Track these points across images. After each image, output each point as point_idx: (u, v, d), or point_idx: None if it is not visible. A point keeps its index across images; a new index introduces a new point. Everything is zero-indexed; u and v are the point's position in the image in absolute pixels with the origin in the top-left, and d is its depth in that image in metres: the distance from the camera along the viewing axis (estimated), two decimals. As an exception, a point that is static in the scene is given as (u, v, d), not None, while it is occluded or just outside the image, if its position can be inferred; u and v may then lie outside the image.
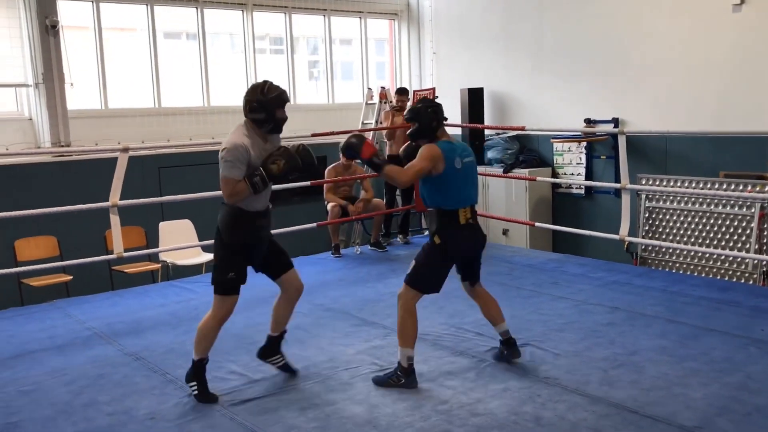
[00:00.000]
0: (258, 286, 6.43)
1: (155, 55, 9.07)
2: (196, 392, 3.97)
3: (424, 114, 4.16)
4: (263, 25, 10.17)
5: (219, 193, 7.80)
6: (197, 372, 3.99)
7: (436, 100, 8.04)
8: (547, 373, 4.19)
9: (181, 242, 7.38)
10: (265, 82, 3.95)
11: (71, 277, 6.88)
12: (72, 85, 8.19)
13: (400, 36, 11.45)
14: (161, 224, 7.72)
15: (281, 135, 4.06)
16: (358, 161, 4.11)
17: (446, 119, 4.27)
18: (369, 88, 10.54)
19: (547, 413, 3.68)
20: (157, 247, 7.36)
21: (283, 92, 3.92)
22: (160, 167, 8.58)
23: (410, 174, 4.04)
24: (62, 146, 7.97)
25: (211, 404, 3.91)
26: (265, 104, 3.84)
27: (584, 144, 8.87)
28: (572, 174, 9.06)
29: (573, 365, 4.30)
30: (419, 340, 4.77)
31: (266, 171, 3.83)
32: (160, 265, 7.40)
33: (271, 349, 4.28)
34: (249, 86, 3.97)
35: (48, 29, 7.90)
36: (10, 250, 6.91)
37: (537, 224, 7.78)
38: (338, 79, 10.99)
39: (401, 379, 4.05)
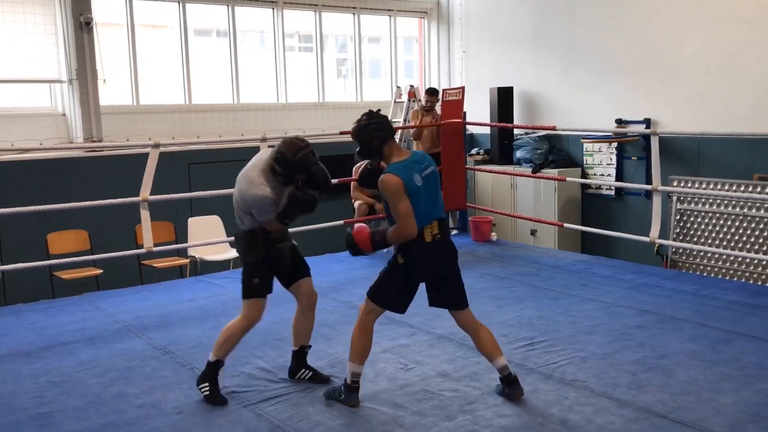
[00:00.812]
0: (285, 283, 6.48)
1: (186, 52, 9.15)
2: (207, 393, 3.94)
3: (364, 132, 3.73)
4: (292, 23, 10.22)
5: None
6: (211, 373, 3.97)
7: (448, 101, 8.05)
8: (574, 376, 4.15)
9: (209, 238, 7.44)
10: (303, 143, 3.87)
11: (101, 271, 6.98)
12: (105, 81, 8.31)
13: (429, 34, 11.42)
14: (190, 220, 7.79)
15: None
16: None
17: (394, 132, 3.80)
18: (398, 87, 10.52)
19: (574, 416, 3.64)
20: (186, 242, 7.43)
21: (316, 164, 3.86)
22: (190, 163, 8.66)
23: (406, 221, 3.61)
24: (94, 141, 8.09)
25: (238, 401, 3.93)
26: (294, 167, 3.83)
27: (615, 144, 8.78)
28: (602, 175, 8.96)
29: (601, 368, 4.26)
30: (445, 339, 4.79)
31: (288, 219, 3.92)
32: (188, 260, 7.48)
33: (296, 366, 4.22)
34: (287, 139, 3.92)
35: (82, 26, 8.01)
36: (42, 243, 7.02)
37: (566, 225, 7.70)
38: (366, 77, 11.00)
39: (341, 394, 3.83)
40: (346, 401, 3.81)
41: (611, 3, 8.77)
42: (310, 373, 4.19)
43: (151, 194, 6.21)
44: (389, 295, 3.81)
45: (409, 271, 3.75)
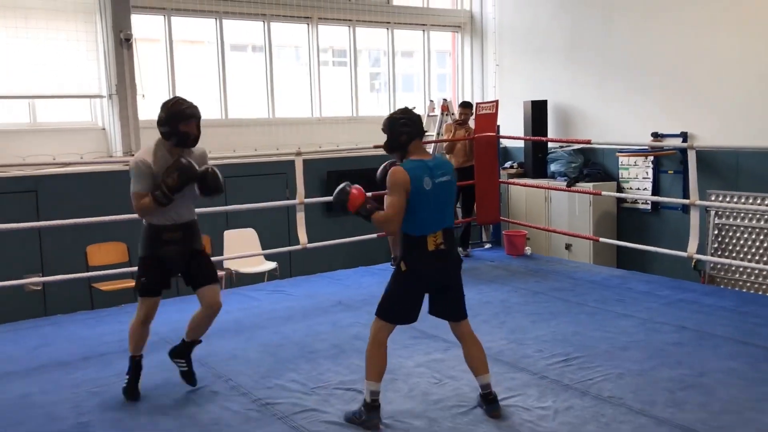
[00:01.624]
0: (321, 295, 6.54)
1: (223, 66, 9.30)
2: (124, 385, 4.20)
3: (394, 126, 3.77)
4: (326, 38, 10.32)
5: (281, 203, 7.97)
6: (132, 368, 4.21)
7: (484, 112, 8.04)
8: (611, 392, 4.10)
9: (244, 250, 7.52)
10: (175, 97, 4.13)
11: (139, 283, 7.08)
12: (143, 96, 8.47)
13: (462, 48, 11.44)
14: (226, 233, 7.88)
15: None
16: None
17: (423, 132, 3.83)
18: (431, 101, 10.56)
19: (611, 434, 3.60)
20: (222, 255, 7.51)
21: (188, 108, 4.06)
22: (226, 177, 8.72)
23: (392, 215, 3.64)
24: (133, 155, 8.22)
25: (272, 413, 3.95)
26: (169, 118, 4.02)
27: (651, 158, 8.68)
28: (638, 189, 8.86)
29: (638, 385, 4.20)
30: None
31: (165, 185, 3.98)
32: (224, 272, 7.56)
33: (180, 352, 4.33)
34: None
35: (122, 42, 8.19)
36: (82, 256, 7.16)
37: (601, 239, 7.62)
38: (399, 91, 11.05)
39: (362, 416, 3.75)
40: (367, 423, 3.73)
41: (648, 15, 8.70)
42: (186, 368, 4.31)
43: (187, 207, 6.29)
44: (396, 309, 3.80)
45: (411, 278, 3.75)
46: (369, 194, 3.94)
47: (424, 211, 3.68)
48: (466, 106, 8.50)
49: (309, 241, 7.09)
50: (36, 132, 8.08)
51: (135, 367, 4.21)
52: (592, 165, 9.36)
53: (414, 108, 3.90)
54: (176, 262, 4.18)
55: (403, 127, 3.75)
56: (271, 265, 7.81)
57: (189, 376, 4.33)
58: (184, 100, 4.11)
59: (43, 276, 7.06)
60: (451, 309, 3.89)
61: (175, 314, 6.00)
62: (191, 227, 4.27)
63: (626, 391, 4.10)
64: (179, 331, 5.43)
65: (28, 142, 7.90)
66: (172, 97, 4.17)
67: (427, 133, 10.05)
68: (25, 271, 7.20)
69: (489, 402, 3.85)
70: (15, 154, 7.71)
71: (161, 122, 4.06)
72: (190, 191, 4.16)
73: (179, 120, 4.04)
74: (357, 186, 3.84)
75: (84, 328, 5.71)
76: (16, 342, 5.39)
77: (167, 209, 4.08)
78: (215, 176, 4.17)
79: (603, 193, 8.05)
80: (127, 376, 4.21)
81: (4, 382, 4.54)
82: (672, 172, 8.51)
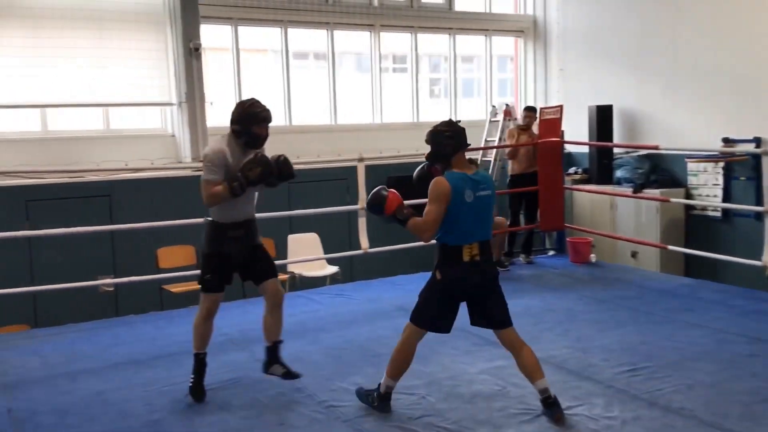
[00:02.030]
0: (382, 300, 6.57)
1: (288, 74, 9.46)
2: (190, 384, 4.26)
3: (438, 137, 3.86)
4: (387, 44, 10.39)
5: (343, 208, 8.04)
6: (196, 365, 4.27)
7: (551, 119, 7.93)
8: (681, 404, 3.99)
9: (308, 254, 7.63)
10: (251, 99, 4.20)
11: (206, 285, 7.25)
12: (211, 103, 8.69)
13: (525, 53, 11.34)
14: (290, 237, 8.01)
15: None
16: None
17: (468, 145, 3.91)
18: (493, 106, 10.50)
19: (681, 446, 3.51)
20: (286, 258, 7.64)
21: (262, 111, 4.14)
22: (289, 182, 8.89)
23: (429, 223, 3.74)
24: (201, 161, 8.44)
25: (336, 416, 4.00)
26: (243, 118, 4.11)
27: (722, 164, 8.42)
28: (708, 195, 8.61)
29: (710, 397, 4.07)
30: (544, 362, 4.65)
31: (245, 177, 4.07)
32: (288, 275, 7.68)
33: (268, 361, 4.36)
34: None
35: (191, 52, 8.43)
36: (152, 258, 7.39)
37: (670, 247, 7.43)
38: (459, 96, 11.03)
39: (375, 401, 3.99)
40: (379, 409, 3.96)
41: (717, 16, 8.46)
42: (284, 369, 4.32)
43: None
44: (428, 315, 3.89)
45: (445, 288, 3.83)
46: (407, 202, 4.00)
47: (464, 223, 3.77)
48: (530, 110, 8.40)
49: (370, 246, 7.14)
50: (109, 139, 8.40)
51: (199, 364, 4.30)
52: (660, 171, 9.14)
53: (459, 121, 3.98)
54: (239, 258, 4.28)
55: (447, 140, 3.85)
56: (333, 269, 7.90)
57: (291, 375, 4.35)
58: (260, 103, 4.21)
59: (115, 278, 7.31)
60: (493, 318, 3.91)
61: (240, 316, 6.16)
62: (252, 223, 4.36)
63: (697, 403, 3.99)
64: (245, 332, 5.59)
65: (102, 149, 8.21)
66: (249, 98, 4.26)
67: (489, 139, 10.07)
68: (98, 272, 7.46)
69: (549, 405, 3.81)
70: (90, 160, 8.03)
71: (234, 121, 4.16)
72: (256, 188, 4.28)
73: (253, 122, 4.14)
74: (393, 190, 3.92)
75: (154, 328, 5.89)
76: (91, 341, 5.60)
77: (232, 206, 4.17)
78: (288, 163, 4.30)
79: (671, 199, 7.85)
80: (193, 376, 4.29)
81: (80, 379, 4.72)
82: (744, 178, 8.23)
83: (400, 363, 3.94)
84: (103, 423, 4.01)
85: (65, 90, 7.98)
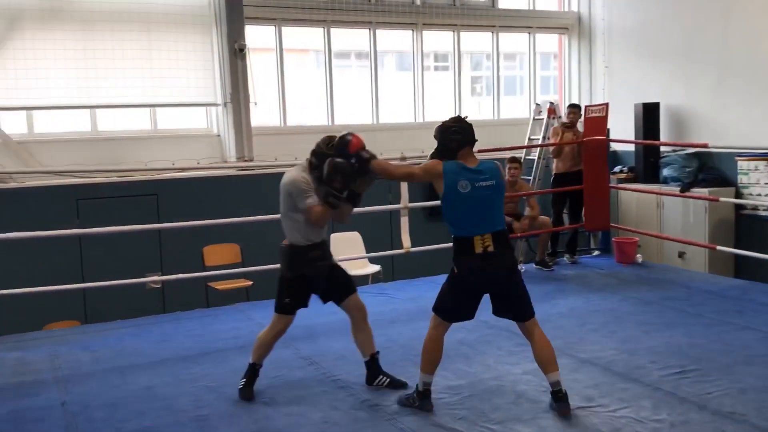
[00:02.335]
0: (424, 299, 6.55)
1: (330, 74, 9.52)
2: (240, 387, 4.34)
3: (445, 134, 3.93)
4: (428, 42, 10.37)
5: (384, 207, 8.03)
6: (250, 373, 4.36)
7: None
8: (732, 408, 3.90)
9: (349, 254, 7.66)
10: (328, 138, 4.23)
11: (252, 283, 7.36)
12: (255, 103, 8.79)
13: (570, 50, 11.21)
14: (332, 236, 8.04)
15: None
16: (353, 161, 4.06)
17: (473, 140, 3.93)
18: (537, 104, 10.39)
19: (732, 451, 3.43)
20: (328, 257, 7.67)
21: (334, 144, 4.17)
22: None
23: (400, 170, 4.14)
24: (246, 161, 8.58)
25: (380, 414, 4.01)
26: (320, 155, 4.19)
27: (774, 162, 8.20)
28: (759, 195, 8.39)
29: (763, 401, 3.97)
30: (588, 363, 4.66)
31: (334, 189, 4.13)
32: (330, 274, 7.72)
33: (371, 374, 4.41)
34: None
35: (236, 52, 8.55)
36: (198, 256, 7.52)
37: (719, 248, 7.26)
38: (501, 94, 10.95)
39: (416, 401, 4.00)
40: (422, 407, 3.96)
41: (770, 12, 8.25)
42: (387, 379, 4.37)
43: (297, 211, 6.48)
44: (448, 306, 3.96)
45: (462, 280, 3.88)
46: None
47: (464, 214, 3.83)
48: (574, 107, 8.28)
49: (412, 246, 7.14)
50: (156, 139, 8.57)
51: (253, 373, 4.37)
52: (708, 170, 8.94)
53: (466, 117, 4.04)
54: (320, 279, 4.36)
55: (453, 135, 3.91)
56: (375, 268, 7.92)
57: (396, 384, 4.34)
58: (332, 139, 4.23)
59: (162, 275, 7.46)
60: (513, 309, 3.97)
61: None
62: (326, 244, 4.46)
63: (750, 408, 3.89)
64: (290, 329, 5.62)
65: (149, 149, 8.38)
66: (327, 136, 4.29)
67: (532, 138, 9.98)
68: (146, 270, 7.63)
69: (557, 399, 3.87)
70: (138, 160, 8.20)
71: (314, 153, 4.26)
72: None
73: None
74: (357, 134, 4.10)
75: (201, 325, 5.98)
76: (139, 336, 5.72)
77: (311, 228, 4.26)
78: (343, 141, 4.24)
79: (721, 199, 7.67)
80: (244, 380, 4.35)
81: (130, 373, 4.83)
82: (798, 177, 8.01)
83: (429, 355, 3.98)
84: (152, 417, 4.09)
85: (114, 91, 8.16)
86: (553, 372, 3.88)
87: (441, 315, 3.99)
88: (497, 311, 4.02)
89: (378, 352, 4.42)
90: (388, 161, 4.06)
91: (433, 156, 4.05)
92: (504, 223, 3.95)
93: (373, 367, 4.40)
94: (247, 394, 4.32)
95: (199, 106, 8.85)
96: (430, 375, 4.00)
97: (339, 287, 4.39)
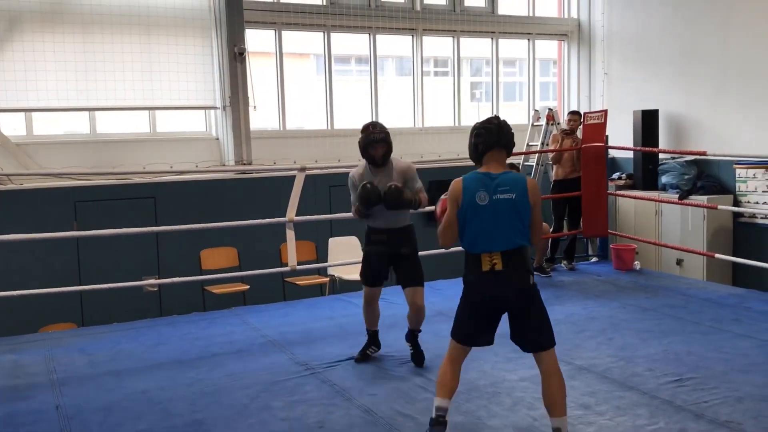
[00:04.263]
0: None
1: (330, 78, 9.52)
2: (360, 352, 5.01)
3: (471, 135, 3.70)
4: (428, 48, 10.38)
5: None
6: (368, 337, 5.05)
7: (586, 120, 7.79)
8: (729, 417, 3.89)
9: (348, 258, 7.64)
10: (368, 124, 4.84)
11: (248, 287, 7.35)
12: (255, 107, 8.79)
13: (569, 56, 11.22)
14: (330, 240, 8.05)
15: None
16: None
17: (502, 143, 3.65)
18: (536, 110, 10.40)
19: (729, 460, 3.42)
20: (326, 261, 7.68)
21: (372, 133, 4.71)
22: (331, 186, 8.96)
23: (441, 227, 3.67)
24: (245, 164, 8.57)
25: (375, 420, 4.00)
26: (361, 143, 4.78)
27: (772, 170, 8.21)
28: (757, 203, 8.39)
29: (760, 410, 3.96)
30: (585, 371, 4.65)
31: (357, 206, 4.79)
32: (328, 278, 7.72)
33: (410, 338, 4.95)
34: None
35: (236, 56, 8.55)
36: (196, 259, 7.50)
37: (717, 255, 7.26)
38: (500, 100, 10.96)
39: (427, 428, 3.64)
40: None
41: (769, 20, 8.26)
42: (413, 350, 4.90)
43: (295, 215, 6.48)
44: (458, 326, 3.65)
45: (468, 300, 3.62)
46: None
47: (476, 228, 3.53)
48: (575, 114, 8.28)
49: (411, 251, 7.11)
50: (155, 141, 8.56)
51: (370, 337, 5.02)
52: (707, 177, 8.95)
53: (497, 117, 3.79)
54: (378, 260, 4.83)
55: (476, 138, 3.66)
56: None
57: (415, 358, 4.85)
58: (375, 126, 4.79)
59: (159, 278, 7.44)
60: (523, 338, 3.58)
61: (280, 318, 6.21)
62: (398, 232, 4.83)
63: (746, 417, 3.88)
64: (285, 334, 5.64)
65: (148, 151, 8.37)
66: (368, 122, 4.88)
67: (531, 144, 9.98)
68: (143, 273, 7.62)
69: None
70: (136, 162, 8.19)
71: (359, 144, 4.79)
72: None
73: (368, 145, 4.72)
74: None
75: (197, 329, 5.96)
76: (135, 340, 5.70)
77: (376, 216, 4.79)
78: (393, 196, 4.66)
79: (719, 206, 7.67)
80: (364, 347, 5.00)
81: (126, 377, 4.81)
82: (796, 185, 8.02)
83: (442, 379, 3.63)
84: (148, 421, 4.07)
85: (113, 93, 8.16)
86: (556, 416, 3.49)
87: (455, 338, 3.65)
88: (512, 336, 3.63)
89: (420, 331, 4.89)
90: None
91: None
92: (523, 240, 3.56)
93: (411, 335, 4.92)
94: (362, 355, 4.98)
95: (198, 109, 8.85)
96: (442, 399, 3.59)
97: (401, 275, 4.85)
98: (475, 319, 3.60)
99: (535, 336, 3.55)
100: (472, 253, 3.58)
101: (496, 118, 3.76)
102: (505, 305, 3.55)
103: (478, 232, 3.54)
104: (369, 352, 5.01)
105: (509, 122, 3.77)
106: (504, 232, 3.52)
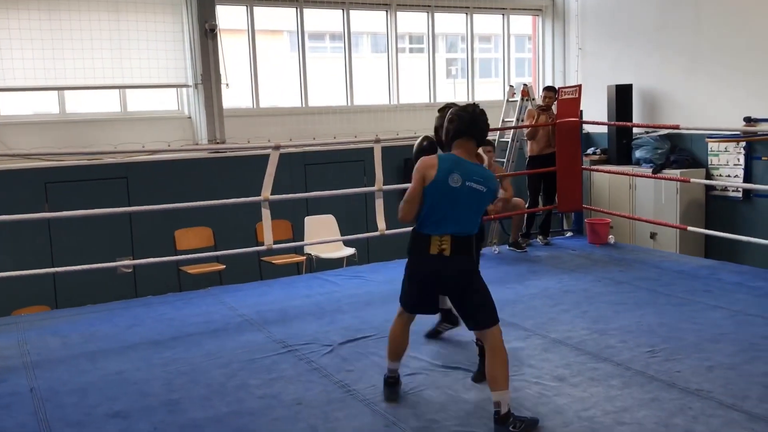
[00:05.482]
0: (399, 281, 6.56)
1: (303, 55, 9.42)
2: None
3: (444, 119, 3.73)
4: (403, 24, 10.31)
5: (359, 190, 8.03)
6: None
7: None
8: (699, 386, 3.96)
9: (324, 236, 7.64)
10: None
11: (224, 266, 7.30)
12: (227, 85, 8.68)
13: (543, 32, 11.21)
14: (306, 219, 8.02)
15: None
16: None
17: (472, 131, 3.63)
18: (510, 86, 10.39)
19: (699, 427, 3.48)
20: (302, 240, 7.65)
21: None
22: (306, 164, 8.92)
23: (404, 204, 3.61)
24: (218, 143, 8.48)
25: (353, 395, 4.02)
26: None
27: (743, 144, 8.30)
28: (729, 176, 8.50)
29: (729, 378, 4.04)
30: (560, 344, 4.70)
31: None
32: (304, 257, 7.70)
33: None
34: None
35: (207, 33, 8.42)
36: (170, 240, 7.44)
37: (689, 228, 7.35)
38: (476, 77, 10.94)
39: (383, 387, 3.95)
40: (385, 397, 3.90)
41: (741, -6, 8.31)
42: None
43: (270, 194, 6.43)
44: (404, 297, 3.84)
45: (411, 277, 3.75)
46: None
47: (438, 209, 3.54)
48: (550, 89, 8.28)
49: (387, 228, 7.11)
50: (126, 121, 8.43)
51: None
52: (680, 151, 9.04)
53: (479, 108, 3.74)
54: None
55: (449, 123, 3.67)
56: (350, 250, 7.90)
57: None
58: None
59: (133, 259, 7.37)
60: (466, 316, 3.69)
61: (257, 297, 6.19)
62: None
63: (716, 385, 3.96)
64: (263, 313, 5.64)
65: (119, 131, 8.24)
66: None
67: (507, 120, 9.99)
68: (116, 254, 7.54)
69: (495, 422, 3.48)
70: (107, 142, 8.06)
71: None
72: None
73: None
74: None
75: (172, 309, 5.92)
76: (110, 321, 5.64)
77: None
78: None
79: (691, 180, 7.76)
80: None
81: (101, 358, 4.77)
82: (766, 158, 8.11)
83: (391, 344, 3.89)
84: (124, 402, 4.05)
85: (82, 72, 8.00)
86: (497, 390, 3.47)
87: (402, 306, 3.86)
88: (457, 311, 3.85)
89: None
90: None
91: (420, 143, 3.97)
92: (475, 229, 3.64)
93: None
94: (432, 332, 4.93)
95: (170, 87, 8.71)
96: (393, 363, 3.90)
97: None
98: (417, 292, 3.77)
99: (476, 314, 3.64)
100: (421, 233, 3.61)
101: (473, 106, 3.75)
102: (447, 287, 3.69)
103: (438, 211, 3.55)
104: (441, 329, 4.87)
105: (486, 98, 3.78)
106: (462, 219, 3.58)
